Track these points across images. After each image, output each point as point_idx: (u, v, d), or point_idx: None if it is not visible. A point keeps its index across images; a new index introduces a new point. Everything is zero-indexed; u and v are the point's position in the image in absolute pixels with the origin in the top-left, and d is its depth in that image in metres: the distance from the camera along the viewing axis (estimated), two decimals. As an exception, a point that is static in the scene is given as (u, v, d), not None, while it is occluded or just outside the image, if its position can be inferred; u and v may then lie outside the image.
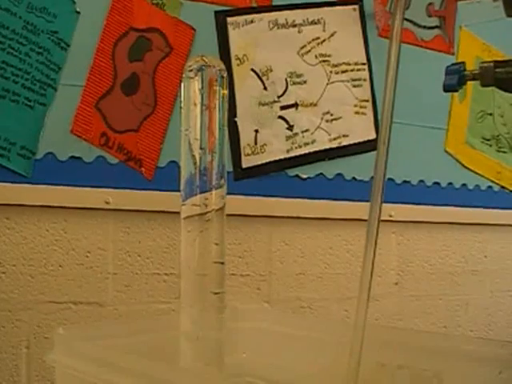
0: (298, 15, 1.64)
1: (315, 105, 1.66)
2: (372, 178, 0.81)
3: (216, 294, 0.76)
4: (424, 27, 1.86)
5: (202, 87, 0.75)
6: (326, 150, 1.67)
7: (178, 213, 0.78)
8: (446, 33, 1.90)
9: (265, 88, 1.59)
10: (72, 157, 1.36)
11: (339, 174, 1.70)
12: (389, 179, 1.74)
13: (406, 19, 1.80)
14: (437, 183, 1.88)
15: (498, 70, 0.87)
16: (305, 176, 1.65)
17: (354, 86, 1.72)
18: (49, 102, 1.33)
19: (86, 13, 1.37)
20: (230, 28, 1.55)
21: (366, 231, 0.80)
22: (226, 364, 0.79)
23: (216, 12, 1.53)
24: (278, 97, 1.61)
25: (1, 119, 1.28)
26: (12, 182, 1.30)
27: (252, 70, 1.58)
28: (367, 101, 1.74)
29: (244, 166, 1.56)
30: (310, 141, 1.65)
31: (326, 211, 1.67)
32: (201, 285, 0.76)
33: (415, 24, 1.84)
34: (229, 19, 1.55)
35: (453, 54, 1.91)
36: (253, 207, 1.57)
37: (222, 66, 0.76)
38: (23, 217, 1.32)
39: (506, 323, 2.03)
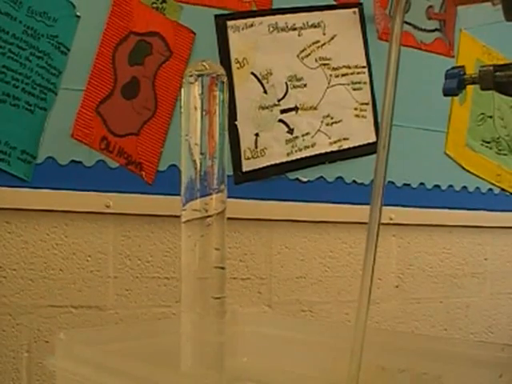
0: (297, 19, 1.65)
1: (315, 108, 1.66)
2: (372, 181, 0.82)
3: (217, 298, 0.76)
4: (424, 30, 1.86)
5: (202, 92, 0.75)
6: (326, 154, 1.67)
7: (179, 216, 0.78)
8: (446, 36, 1.90)
9: (265, 91, 1.59)
10: (72, 161, 1.36)
11: (339, 178, 1.70)
12: (389, 182, 1.74)
13: (406, 22, 1.80)
14: (437, 186, 1.88)
15: (497, 73, 0.87)
16: (305, 179, 1.65)
17: (354, 89, 1.72)
18: (49, 106, 1.34)
19: (86, 17, 1.37)
20: (229, 32, 1.55)
21: (366, 234, 0.80)
22: (227, 368, 0.79)
23: (216, 16, 1.54)
24: (278, 100, 1.61)
25: (1, 123, 1.28)
26: (12, 187, 1.30)
27: (252, 73, 1.58)
28: (367, 104, 1.74)
29: (244, 169, 1.56)
30: (310, 144, 1.65)
31: (326, 214, 1.67)
32: (201, 289, 0.76)
33: (415, 27, 1.84)
34: (229, 23, 1.55)
35: (453, 56, 1.91)
36: (253, 210, 1.57)
37: (222, 71, 0.76)
38: (24, 221, 1.33)
39: (507, 325, 2.03)
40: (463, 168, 1.93)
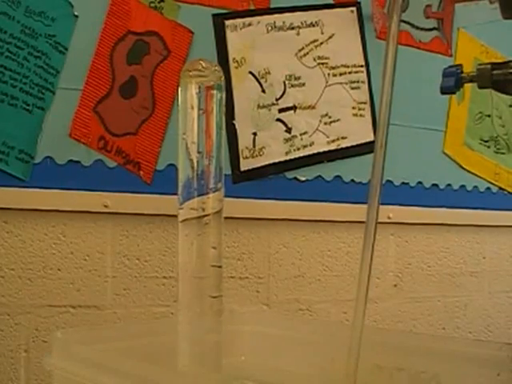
0: (295, 18, 1.65)
1: (313, 107, 1.66)
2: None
3: (214, 297, 0.76)
4: (422, 29, 1.86)
5: (199, 91, 0.75)
6: (324, 153, 1.67)
7: (177, 216, 0.78)
8: (444, 34, 1.90)
9: (263, 91, 1.59)
10: (70, 160, 1.36)
11: (338, 177, 1.70)
12: (387, 181, 1.74)
13: (404, 21, 1.80)
14: (435, 185, 1.88)
15: (495, 72, 0.87)
16: (303, 178, 1.65)
17: (353, 88, 1.72)
18: (47, 105, 1.34)
19: (84, 16, 1.37)
20: (227, 31, 1.55)
21: (364, 233, 0.81)
22: (225, 367, 0.79)
23: (214, 15, 1.53)
24: (277, 99, 1.61)
25: (-1, 123, 1.28)
26: (10, 186, 1.30)
27: (250, 72, 1.58)
28: (365, 103, 1.74)
29: (242, 168, 1.56)
30: (308, 143, 1.65)
31: (324, 213, 1.67)
32: (198, 288, 0.76)
33: (413, 26, 1.84)
34: (227, 22, 1.55)
35: (451, 55, 1.91)
36: (251, 210, 1.57)
37: (219, 70, 0.76)
38: (22, 221, 1.32)
39: (505, 324, 2.03)
40: (461, 167, 1.94)
